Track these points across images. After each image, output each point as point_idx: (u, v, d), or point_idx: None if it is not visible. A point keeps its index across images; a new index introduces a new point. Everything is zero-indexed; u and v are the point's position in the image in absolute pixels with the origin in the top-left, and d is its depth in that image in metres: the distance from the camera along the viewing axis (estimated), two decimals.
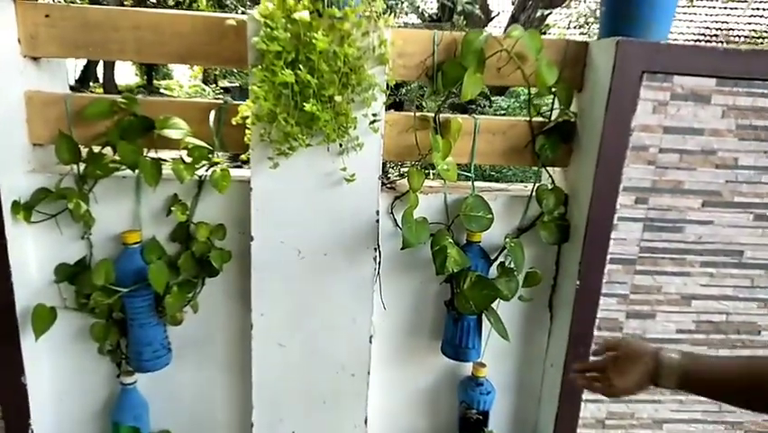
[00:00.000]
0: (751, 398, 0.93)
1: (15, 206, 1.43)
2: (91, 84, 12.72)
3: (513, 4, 7.96)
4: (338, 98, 1.33)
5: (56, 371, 1.60)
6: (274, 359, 1.54)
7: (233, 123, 1.38)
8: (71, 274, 1.51)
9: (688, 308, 1.63)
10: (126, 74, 14.96)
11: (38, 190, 1.47)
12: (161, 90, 12.90)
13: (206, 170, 1.48)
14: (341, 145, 1.40)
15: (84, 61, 12.37)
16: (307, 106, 1.30)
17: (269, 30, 1.29)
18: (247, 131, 1.38)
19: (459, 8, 7.48)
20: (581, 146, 1.56)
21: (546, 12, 7.15)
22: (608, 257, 1.55)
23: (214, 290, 1.58)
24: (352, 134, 1.39)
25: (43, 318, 1.44)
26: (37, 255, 1.52)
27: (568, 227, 1.59)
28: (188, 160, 1.44)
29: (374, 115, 1.39)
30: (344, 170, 1.41)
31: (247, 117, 1.36)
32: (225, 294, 1.60)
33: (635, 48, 1.41)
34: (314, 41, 1.27)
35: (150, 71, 14.40)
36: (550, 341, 1.69)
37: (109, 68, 11.54)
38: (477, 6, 7.62)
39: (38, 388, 1.55)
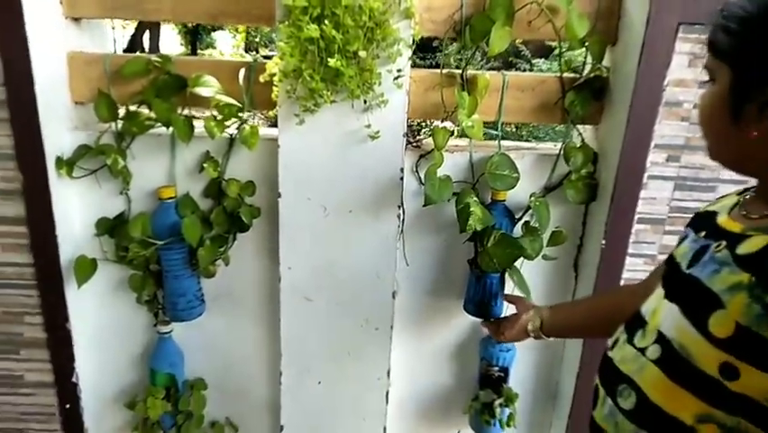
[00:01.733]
0: (594, 333, 1.29)
1: (59, 162, 1.50)
2: (137, 53, 13.01)
3: None
4: (362, 54, 1.34)
5: (98, 319, 1.70)
6: (301, 312, 1.59)
7: (261, 80, 1.41)
8: (111, 228, 1.59)
9: None
10: (172, 43, 15.21)
11: (79, 147, 1.55)
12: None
13: (237, 128, 1.52)
14: (365, 102, 1.41)
15: (131, 30, 12.66)
16: (332, 62, 1.31)
17: None
18: (274, 88, 1.41)
19: None
20: (613, 103, 1.52)
21: None
22: (636, 216, 1.52)
23: (245, 244, 1.64)
24: (377, 91, 1.40)
25: (85, 269, 1.53)
26: (80, 209, 1.60)
27: (596, 186, 1.56)
28: (219, 117, 1.48)
29: (399, 71, 1.39)
30: (369, 126, 1.43)
31: (274, 74, 1.39)
32: (255, 249, 1.65)
33: None
34: None
35: (195, 40, 14.57)
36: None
37: (155, 36, 11.77)
38: None
39: (82, 335, 1.65)
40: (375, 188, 1.50)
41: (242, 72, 1.50)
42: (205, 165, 1.53)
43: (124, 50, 12.86)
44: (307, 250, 1.55)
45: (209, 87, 1.47)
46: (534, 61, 5.00)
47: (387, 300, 1.58)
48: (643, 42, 1.38)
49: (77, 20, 1.57)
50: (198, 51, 14.49)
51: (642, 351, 0.82)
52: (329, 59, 1.32)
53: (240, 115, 1.50)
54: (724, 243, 0.77)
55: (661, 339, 0.79)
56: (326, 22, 1.31)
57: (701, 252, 0.80)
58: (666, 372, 0.76)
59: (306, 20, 1.31)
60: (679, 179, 1.50)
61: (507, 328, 1.41)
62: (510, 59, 5.31)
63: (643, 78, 1.41)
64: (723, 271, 0.73)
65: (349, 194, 1.51)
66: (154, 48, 11.81)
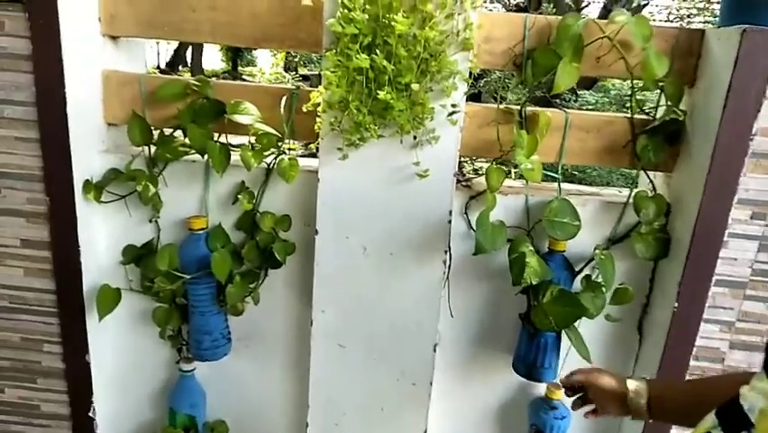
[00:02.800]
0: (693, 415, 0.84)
1: (87, 185, 1.43)
2: (180, 68, 13.32)
3: None
4: (415, 86, 1.22)
5: (119, 352, 1.61)
6: (333, 359, 1.46)
7: (304, 110, 1.31)
8: (138, 256, 1.51)
9: None
10: (214, 59, 15.52)
11: (109, 171, 1.47)
12: (243, 76, 13.29)
13: (275, 158, 1.42)
14: (415, 138, 1.30)
15: (174, 45, 12.94)
16: (381, 94, 1.20)
17: (345, 11, 1.20)
18: (317, 119, 1.31)
19: None
20: (691, 150, 1.36)
21: (644, 2, 6.68)
22: (714, 278, 1.35)
23: (277, 282, 1.53)
24: (428, 126, 1.28)
25: (108, 299, 1.44)
26: (106, 236, 1.52)
27: (668, 241, 1.40)
28: (257, 146, 1.38)
29: (453, 105, 1.27)
30: (417, 164, 1.31)
31: (318, 104, 1.29)
32: (288, 287, 1.54)
33: (765, 38, 1.20)
34: (393, 23, 1.17)
35: (236, 57, 14.86)
36: (636, 367, 1.51)
37: (197, 52, 12.02)
38: None
39: (101, 367, 1.56)
40: (420, 230, 1.37)
41: (283, 100, 1.40)
42: (239, 196, 1.43)
43: (167, 64, 13.18)
44: (343, 292, 1.43)
45: (248, 115, 1.38)
46: (579, 92, 4.83)
47: (427, 353, 1.44)
48: (729, 85, 1.23)
49: (114, 38, 1.50)
50: (239, 68, 14.76)
51: None
52: (378, 92, 1.21)
53: (279, 144, 1.40)
54: None
55: None
56: (377, 51, 1.20)
57: None
58: None
59: (356, 48, 1.20)
60: (764, 238, 1.33)
61: (602, 402, 1.05)
62: None
63: (727, 124, 1.25)
64: None
65: (391, 235, 1.38)
66: (196, 64, 12.04)
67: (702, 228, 1.31)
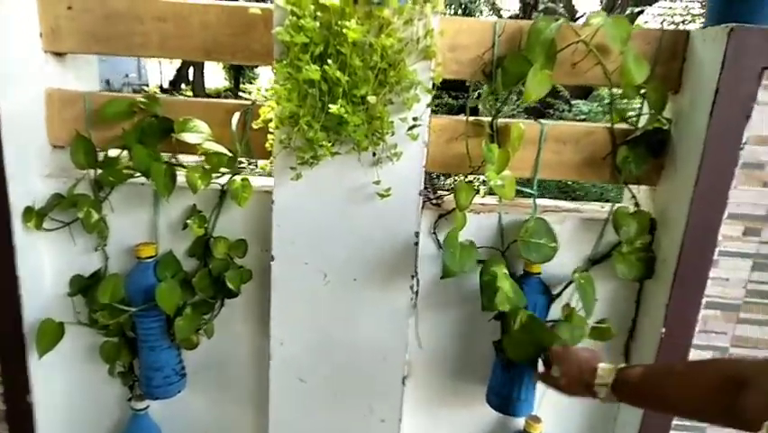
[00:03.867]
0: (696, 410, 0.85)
1: (28, 212, 1.33)
2: (183, 87, 13.29)
3: (601, 3, 7.44)
4: (372, 99, 1.12)
5: (66, 391, 1.50)
6: (294, 395, 1.35)
7: (255, 126, 1.22)
8: (85, 287, 1.40)
9: None
10: (216, 78, 15.51)
11: (53, 196, 1.37)
12: (240, 93, 13.25)
13: (228, 180, 1.32)
14: (374, 154, 1.19)
15: (177, 64, 12.88)
16: (333, 108, 1.10)
17: (294, 18, 1.10)
18: (269, 136, 1.21)
19: (540, 6, 7.08)
20: (676, 161, 1.26)
21: (637, 9, 6.62)
22: (704, 300, 1.24)
23: (235, 312, 1.42)
24: (389, 142, 1.18)
25: (49, 334, 1.33)
26: (51, 265, 1.42)
27: (653, 261, 1.29)
28: (207, 167, 1.28)
29: (415, 119, 1.17)
30: (378, 183, 1.20)
31: (270, 120, 1.19)
32: (246, 318, 1.43)
33: (754, 37, 1.10)
34: (346, 30, 1.07)
35: (238, 75, 14.82)
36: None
37: (199, 71, 11.98)
38: (561, 5, 7.18)
39: (46, 408, 1.45)
40: (385, 254, 1.27)
41: (235, 116, 1.30)
42: (188, 221, 1.32)
43: (170, 83, 13.13)
44: (303, 323, 1.32)
45: (197, 133, 1.28)
46: (573, 102, 4.72)
47: (395, 387, 1.33)
48: (716, 90, 1.13)
49: (60, 55, 1.40)
50: (241, 85, 14.72)
51: None
52: (331, 105, 1.11)
53: (232, 164, 1.30)
54: None
55: None
56: (330, 61, 1.10)
57: None
58: None
59: (307, 59, 1.10)
60: (758, 256, 1.21)
61: (567, 373, 1.06)
62: (547, 99, 5.04)
63: (715, 133, 1.15)
64: None
65: (353, 260, 1.27)
66: (198, 82, 12.00)
67: (690, 246, 1.20)
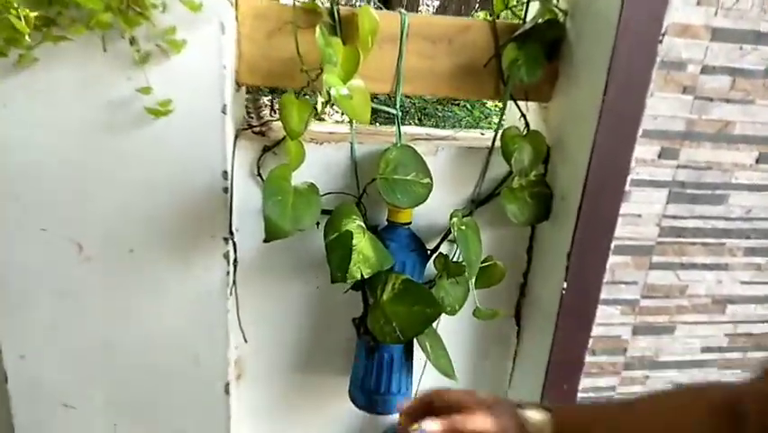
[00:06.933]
0: None
1: None
2: None
3: None
4: None
5: None
6: (56, 429, 0.89)
7: None
8: None
9: (721, 317, 1.08)
10: None
11: None
12: None
13: None
14: (132, 42, 0.73)
15: None
16: None
17: None
18: None
19: None
20: (575, 64, 0.94)
21: None
22: (613, 244, 0.97)
23: None
24: (159, 23, 0.72)
25: None
26: None
27: (550, 197, 0.99)
28: None
29: None
30: (147, 92, 0.74)
31: None
32: None
33: None
34: None
35: None
36: (514, 373, 1.11)
37: None
38: None
39: None
40: (177, 208, 0.83)
41: None
42: None
43: None
44: (54, 323, 0.85)
45: None
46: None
47: (216, 398, 0.92)
48: None
49: None
50: None
51: None
52: None
53: None
54: None
55: None
56: None
57: None
58: None
59: None
60: (675, 184, 0.96)
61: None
62: None
63: (626, 23, 0.84)
64: None
65: (124, 220, 0.82)
66: None
67: (596, 176, 0.91)
